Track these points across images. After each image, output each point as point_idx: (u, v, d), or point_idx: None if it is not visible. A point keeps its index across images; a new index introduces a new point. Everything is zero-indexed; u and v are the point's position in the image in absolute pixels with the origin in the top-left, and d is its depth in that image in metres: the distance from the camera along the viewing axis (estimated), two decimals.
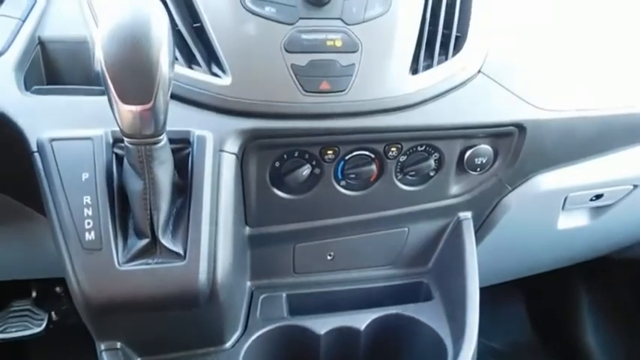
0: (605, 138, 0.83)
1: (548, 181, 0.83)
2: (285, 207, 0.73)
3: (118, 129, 0.51)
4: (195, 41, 0.65)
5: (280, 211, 0.74)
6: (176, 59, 0.64)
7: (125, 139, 0.52)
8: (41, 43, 0.66)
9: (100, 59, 0.46)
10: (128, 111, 0.48)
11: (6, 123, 0.60)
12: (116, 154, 0.59)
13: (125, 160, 0.56)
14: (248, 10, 0.63)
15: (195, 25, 0.65)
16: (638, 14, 0.87)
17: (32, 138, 0.59)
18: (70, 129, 0.59)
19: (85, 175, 0.56)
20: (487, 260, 0.87)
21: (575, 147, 0.82)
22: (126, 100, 0.48)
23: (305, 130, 0.66)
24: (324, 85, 0.64)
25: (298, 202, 0.73)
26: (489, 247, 0.91)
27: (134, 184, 0.55)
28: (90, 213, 0.55)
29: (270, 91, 0.63)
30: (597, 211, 0.96)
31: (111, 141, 0.59)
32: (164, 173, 0.55)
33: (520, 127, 0.74)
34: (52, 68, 0.67)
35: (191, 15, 0.65)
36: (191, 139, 0.60)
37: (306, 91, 0.64)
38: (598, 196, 0.91)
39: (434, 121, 0.70)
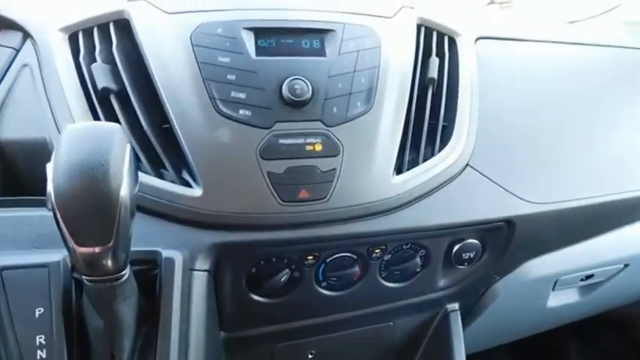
0: (596, 223, 0.80)
1: (538, 267, 0.80)
2: (263, 310, 0.68)
3: None
4: (163, 145, 0.60)
5: (258, 314, 0.69)
6: (139, 161, 0.59)
7: (82, 276, 0.47)
8: None
9: (50, 195, 0.41)
10: (84, 252, 0.43)
11: None
12: (76, 281, 0.54)
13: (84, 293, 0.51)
14: (220, 114, 0.59)
15: (164, 125, 0.61)
16: (623, 97, 0.85)
17: None
18: (23, 252, 0.54)
19: (39, 311, 0.51)
20: (474, 334, 0.83)
21: (566, 235, 0.79)
22: (81, 243, 0.43)
23: (283, 241, 0.61)
24: (303, 194, 0.60)
25: (277, 305, 0.68)
26: (477, 328, 0.88)
27: (94, 322, 0.50)
28: (44, 356, 0.50)
29: (244, 201, 0.59)
30: (587, 288, 0.93)
31: (69, 265, 0.54)
32: (128, 309, 0.50)
33: (509, 222, 0.70)
34: (8, 173, 0.61)
35: (160, 114, 0.61)
36: (159, 261, 0.56)
37: (284, 201, 0.59)
38: (588, 276, 0.88)
39: (420, 222, 0.66)
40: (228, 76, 0.60)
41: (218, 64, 0.60)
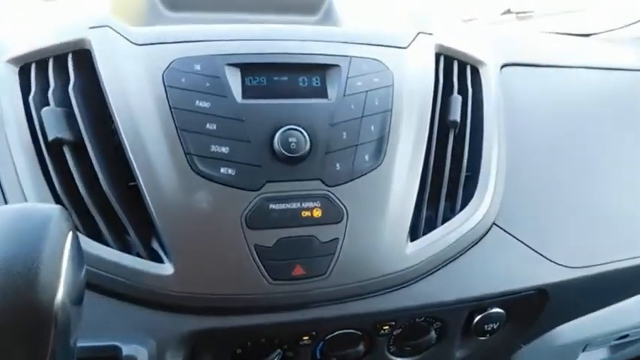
0: (633, 285, 0.70)
1: (567, 332, 0.69)
2: None
3: None
4: (126, 208, 0.49)
5: None
6: (98, 229, 0.48)
7: None
8: None
9: None
10: None
11: None
12: None
13: None
14: (197, 173, 0.48)
15: (130, 184, 0.50)
16: None
17: None
18: None
19: None
20: None
21: (600, 298, 0.68)
22: None
23: (274, 325, 0.51)
24: (298, 270, 0.49)
25: None
26: None
27: None
28: None
29: (226, 280, 0.48)
30: (620, 346, 0.83)
31: None
32: None
33: (542, 290, 0.60)
34: None
35: (125, 171, 0.50)
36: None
37: (275, 279, 0.49)
38: (622, 336, 0.78)
39: (438, 297, 0.55)
40: (208, 126, 0.49)
41: (195, 111, 0.49)
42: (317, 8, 0.79)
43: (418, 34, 0.60)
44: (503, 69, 0.69)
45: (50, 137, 0.48)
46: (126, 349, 0.45)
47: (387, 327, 0.57)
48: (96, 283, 0.47)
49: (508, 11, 1.21)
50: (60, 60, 0.53)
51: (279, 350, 0.55)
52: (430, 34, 0.61)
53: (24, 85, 0.52)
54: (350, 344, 0.57)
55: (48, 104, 0.50)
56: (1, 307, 0.30)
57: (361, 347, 0.58)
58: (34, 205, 0.35)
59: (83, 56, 0.52)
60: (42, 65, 0.53)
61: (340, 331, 0.56)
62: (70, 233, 0.35)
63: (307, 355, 0.57)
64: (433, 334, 0.60)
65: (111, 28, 0.53)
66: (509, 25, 1.18)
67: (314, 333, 0.55)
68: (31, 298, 0.31)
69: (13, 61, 0.53)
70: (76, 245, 0.36)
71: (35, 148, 0.49)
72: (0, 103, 0.51)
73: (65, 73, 0.52)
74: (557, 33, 0.97)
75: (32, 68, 0.53)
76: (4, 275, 0.31)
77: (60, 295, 0.32)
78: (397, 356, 0.61)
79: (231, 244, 0.48)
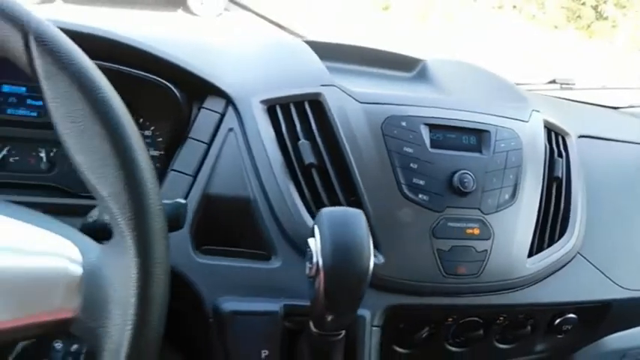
0: None
1: (609, 343, 0.93)
2: None
3: (289, 302, 0.59)
4: None
5: None
6: None
7: (315, 330, 0.58)
8: (209, 199, 0.71)
9: (318, 268, 0.51)
10: (331, 317, 0.54)
11: (184, 284, 0.64)
12: (287, 329, 0.64)
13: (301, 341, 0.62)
14: (404, 196, 0.71)
15: (351, 198, 0.72)
16: None
17: (209, 304, 0.63)
18: (245, 298, 0.64)
19: (264, 353, 0.61)
20: None
21: None
22: (333, 308, 0.54)
23: (441, 306, 0.73)
24: (461, 269, 0.72)
25: (407, 356, 0.80)
26: None
27: None
28: None
29: (416, 271, 0.70)
30: None
31: (283, 315, 0.64)
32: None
33: (607, 304, 0.83)
34: (217, 226, 0.71)
35: (349, 190, 0.71)
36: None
37: (447, 274, 0.71)
38: None
39: (543, 299, 0.78)
40: (411, 165, 0.72)
41: (403, 154, 0.72)
42: (413, 67, 1.03)
43: (532, 111, 0.85)
44: (580, 139, 0.94)
45: (306, 162, 0.70)
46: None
47: (501, 318, 0.79)
48: None
49: (553, 81, 1.46)
50: (298, 106, 0.75)
51: (427, 327, 0.77)
52: (539, 111, 0.86)
53: (273, 120, 0.74)
54: (474, 329, 0.79)
55: (297, 138, 0.72)
56: (345, 269, 0.51)
57: (481, 332, 0.80)
58: (345, 208, 0.56)
59: (316, 105, 0.75)
60: (285, 107, 0.75)
61: (471, 318, 0.78)
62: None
63: (447, 333, 0.79)
64: (529, 328, 0.82)
65: (337, 87, 0.75)
66: (555, 93, 1.44)
67: (455, 316, 0.77)
68: (361, 264, 0.52)
69: (264, 102, 0.75)
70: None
71: (288, 167, 0.71)
72: (259, 132, 0.73)
73: (304, 115, 0.74)
74: (592, 104, 1.23)
75: (277, 109, 0.74)
76: (347, 249, 0.52)
77: (371, 263, 0.53)
78: (499, 343, 0.84)
79: (422, 247, 0.71)
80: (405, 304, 0.71)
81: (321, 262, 0.51)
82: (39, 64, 0.37)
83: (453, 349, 0.81)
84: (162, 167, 0.76)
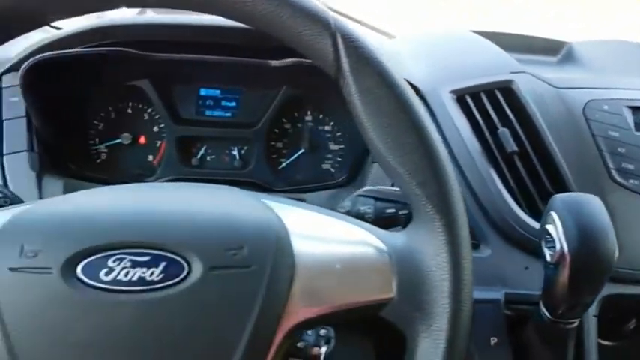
0: None
1: None
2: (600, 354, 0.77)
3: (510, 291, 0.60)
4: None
5: None
6: None
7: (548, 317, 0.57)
8: None
9: (565, 255, 0.51)
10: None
11: None
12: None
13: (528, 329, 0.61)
14: (614, 182, 0.68)
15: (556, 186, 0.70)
16: None
17: None
18: None
19: (493, 340, 0.61)
20: None
21: None
22: (574, 296, 0.52)
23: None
24: None
25: (611, 349, 0.77)
26: None
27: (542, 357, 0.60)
28: None
29: (633, 259, 0.67)
30: None
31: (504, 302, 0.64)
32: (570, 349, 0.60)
33: None
34: None
35: (551, 177, 0.70)
36: None
37: None
38: None
39: None
40: (619, 149, 0.69)
41: (609, 138, 0.69)
42: (557, 51, 0.98)
43: None
44: None
45: (508, 150, 0.69)
46: None
47: None
48: None
49: None
50: (489, 94, 0.74)
51: (634, 319, 0.74)
52: None
53: (464, 109, 0.74)
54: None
55: (494, 126, 0.71)
56: (591, 255, 0.50)
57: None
58: (581, 194, 0.55)
59: (507, 92, 0.74)
60: (476, 97, 0.74)
61: None
62: None
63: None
64: None
65: (529, 73, 0.74)
66: None
67: None
68: (606, 250, 0.50)
69: (454, 92, 0.75)
70: None
71: (488, 155, 0.70)
72: (453, 121, 0.73)
73: (496, 103, 0.73)
74: None
75: (467, 99, 0.74)
76: (594, 235, 0.50)
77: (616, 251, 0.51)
78: None
79: (638, 234, 0.68)
80: (622, 294, 0.68)
81: (566, 248, 0.50)
82: (346, 62, 0.39)
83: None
84: None
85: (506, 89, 0.74)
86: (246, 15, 0.39)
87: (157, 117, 0.80)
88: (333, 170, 0.83)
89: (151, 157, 0.81)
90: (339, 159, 0.83)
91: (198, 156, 0.81)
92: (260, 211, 0.39)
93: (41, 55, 0.68)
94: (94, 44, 0.73)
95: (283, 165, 0.83)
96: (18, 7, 0.39)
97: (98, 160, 0.81)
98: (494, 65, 0.77)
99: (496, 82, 0.74)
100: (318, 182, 0.81)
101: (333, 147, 0.84)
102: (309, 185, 0.80)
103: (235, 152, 0.82)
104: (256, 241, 0.36)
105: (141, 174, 0.81)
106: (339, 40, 0.39)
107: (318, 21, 0.39)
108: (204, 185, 0.43)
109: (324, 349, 0.52)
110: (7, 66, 0.71)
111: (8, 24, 0.39)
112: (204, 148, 0.82)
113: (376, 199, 0.50)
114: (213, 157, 0.82)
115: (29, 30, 0.41)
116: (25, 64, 0.67)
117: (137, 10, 0.91)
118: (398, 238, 0.42)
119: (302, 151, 0.82)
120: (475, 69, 0.77)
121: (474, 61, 0.80)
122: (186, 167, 0.80)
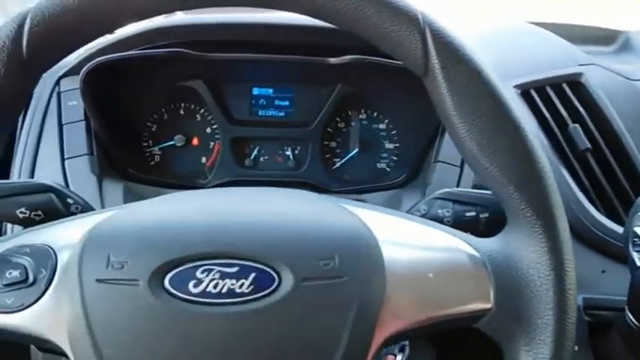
0: None
1: None
2: None
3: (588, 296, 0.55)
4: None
5: None
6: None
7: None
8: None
9: None
10: None
11: None
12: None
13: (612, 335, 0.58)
14: None
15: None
16: None
17: None
18: None
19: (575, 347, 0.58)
20: None
21: None
22: None
23: None
24: None
25: None
26: None
27: None
28: None
29: None
30: None
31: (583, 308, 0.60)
32: None
33: None
34: None
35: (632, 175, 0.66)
36: None
37: None
38: None
39: None
40: None
41: None
42: (613, 40, 0.93)
43: None
44: None
45: (581, 147, 0.66)
46: None
47: None
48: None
49: None
50: (556, 88, 0.70)
51: None
52: None
53: (530, 103, 0.70)
54: None
55: (563, 122, 0.68)
56: None
57: None
58: None
59: (575, 85, 0.70)
60: (541, 91, 0.71)
61: None
62: None
63: None
64: None
65: (599, 66, 0.70)
66: None
67: None
68: None
69: (518, 87, 0.71)
70: None
71: (559, 153, 0.67)
72: None
73: (563, 97, 0.69)
74: None
75: (533, 93, 0.71)
76: None
77: None
78: None
79: None
80: None
81: None
82: (435, 59, 0.37)
83: None
84: None
85: (575, 83, 0.70)
86: (328, 12, 0.37)
87: (209, 118, 0.79)
88: (389, 170, 0.81)
89: (204, 159, 0.80)
90: (395, 158, 0.81)
91: (252, 157, 0.80)
92: (346, 217, 0.37)
93: (101, 57, 0.67)
94: (149, 46, 0.73)
95: (337, 165, 0.81)
96: (92, 11, 0.38)
97: (152, 163, 0.80)
98: (560, 58, 0.73)
99: (564, 75, 0.71)
100: (374, 182, 0.79)
101: (389, 145, 0.81)
102: (366, 185, 0.78)
103: (289, 152, 0.80)
104: (347, 251, 0.34)
105: (194, 176, 0.80)
106: (428, 36, 0.37)
107: (405, 16, 0.36)
108: (276, 190, 0.42)
109: (399, 358, 0.50)
110: (66, 70, 0.71)
111: (84, 26, 0.38)
112: (257, 148, 0.80)
113: (454, 201, 0.48)
114: (266, 157, 0.80)
115: (99, 35, 0.40)
116: (86, 67, 0.66)
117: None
118: (492, 244, 0.39)
119: (356, 150, 0.80)
120: (540, 62, 0.73)
121: (537, 53, 0.76)
122: (239, 168, 0.79)
